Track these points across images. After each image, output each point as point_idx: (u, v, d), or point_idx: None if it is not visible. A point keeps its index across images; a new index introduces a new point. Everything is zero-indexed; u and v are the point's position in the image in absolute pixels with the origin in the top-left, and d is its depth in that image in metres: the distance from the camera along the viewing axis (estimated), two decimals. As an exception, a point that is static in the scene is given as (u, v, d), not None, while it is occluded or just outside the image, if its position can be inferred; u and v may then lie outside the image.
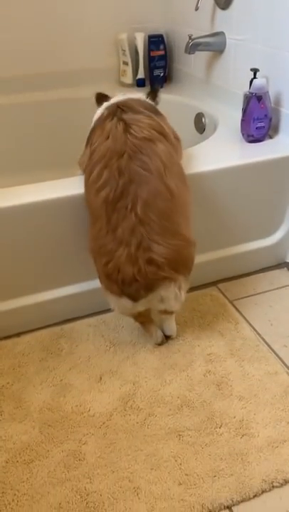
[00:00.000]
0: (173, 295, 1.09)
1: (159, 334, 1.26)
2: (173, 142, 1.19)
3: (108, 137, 1.10)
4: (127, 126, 1.10)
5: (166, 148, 1.12)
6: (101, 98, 1.30)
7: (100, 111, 1.24)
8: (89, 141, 1.21)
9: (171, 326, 1.27)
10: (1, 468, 0.99)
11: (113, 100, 1.24)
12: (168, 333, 1.27)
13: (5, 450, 1.02)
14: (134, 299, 1.07)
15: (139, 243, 1.02)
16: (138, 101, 1.23)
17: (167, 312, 1.19)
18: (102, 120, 1.17)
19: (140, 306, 1.10)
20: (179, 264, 1.07)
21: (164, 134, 1.15)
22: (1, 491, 0.94)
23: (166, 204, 1.06)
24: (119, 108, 1.16)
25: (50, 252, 1.28)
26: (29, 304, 1.31)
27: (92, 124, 1.24)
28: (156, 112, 1.24)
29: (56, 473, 0.97)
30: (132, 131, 1.09)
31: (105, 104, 1.24)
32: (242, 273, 1.54)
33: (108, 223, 1.05)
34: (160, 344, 1.26)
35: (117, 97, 1.26)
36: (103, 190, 1.06)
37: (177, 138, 1.27)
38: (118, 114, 1.14)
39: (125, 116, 1.13)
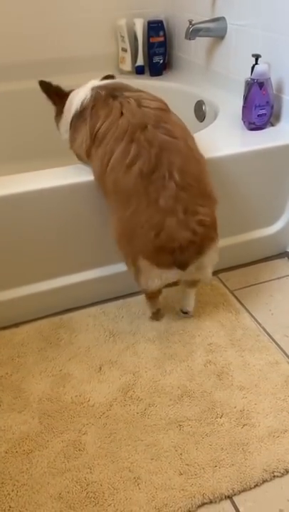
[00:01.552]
0: (214, 258, 1.13)
1: (159, 302, 1.29)
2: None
3: (122, 113, 1.09)
4: (138, 101, 1.10)
5: (178, 117, 1.15)
6: (48, 87, 1.29)
7: (84, 91, 1.20)
8: (83, 122, 1.17)
9: (191, 301, 1.30)
10: (1, 459, 0.98)
11: (95, 83, 1.22)
12: (188, 308, 1.31)
13: (4, 440, 1.02)
14: (185, 265, 1.07)
15: (186, 208, 1.04)
16: (124, 83, 1.22)
17: (195, 283, 1.25)
18: (101, 100, 1.14)
19: (183, 275, 1.11)
20: (216, 223, 1.10)
21: (166, 105, 1.17)
22: (1, 482, 0.94)
23: (197, 167, 1.08)
24: (114, 89, 1.16)
25: (49, 242, 1.27)
26: (28, 294, 1.30)
27: (79, 108, 1.20)
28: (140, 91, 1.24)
29: (56, 463, 0.97)
30: (145, 104, 1.10)
31: (89, 86, 1.21)
32: (243, 263, 1.53)
33: (147, 196, 1.03)
34: (157, 319, 1.30)
35: (94, 81, 1.24)
36: (135, 164, 1.04)
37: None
38: (118, 93, 1.14)
39: (128, 94, 1.13)
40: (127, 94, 1.14)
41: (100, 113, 1.13)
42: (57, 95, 1.29)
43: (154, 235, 1.04)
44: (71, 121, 1.24)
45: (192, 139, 1.14)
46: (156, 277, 1.10)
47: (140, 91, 1.18)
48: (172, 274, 1.10)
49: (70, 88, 1.31)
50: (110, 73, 1.38)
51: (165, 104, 1.16)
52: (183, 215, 1.03)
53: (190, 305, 1.30)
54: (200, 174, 1.08)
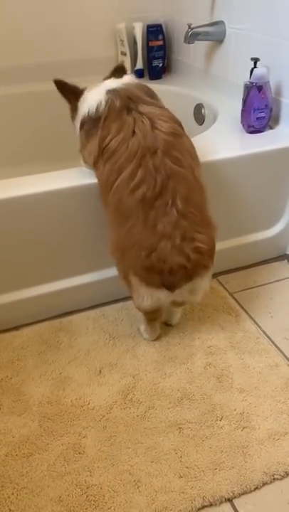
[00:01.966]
0: (205, 284, 1.13)
1: (158, 331, 1.27)
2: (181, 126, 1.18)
3: (134, 132, 1.07)
4: (152, 122, 1.09)
5: (190, 141, 1.14)
6: (64, 86, 1.25)
7: (99, 93, 1.16)
8: (95, 130, 1.14)
9: (178, 316, 1.31)
10: (1, 462, 0.98)
11: (110, 85, 1.17)
12: (173, 322, 1.31)
13: (4, 444, 1.02)
14: (173, 288, 1.08)
15: (184, 235, 1.05)
16: (137, 86, 1.19)
17: (183, 304, 1.26)
18: (115, 112, 1.11)
19: (173, 297, 1.12)
20: (212, 251, 1.11)
21: (180, 124, 1.16)
22: (1, 485, 0.94)
23: (200, 197, 1.10)
24: (130, 99, 1.12)
25: (49, 244, 1.27)
26: (28, 297, 1.30)
27: (94, 112, 1.15)
28: (153, 95, 1.22)
29: (56, 466, 0.97)
30: (158, 126, 1.08)
31: (104, 88, 1.17)
32: (242, 265, 1.53)
33: (145, 221, 1.05)
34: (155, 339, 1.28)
35: (110, 82, 1.19)
36: (139, 189, 1.05)
37: (180, 122, 1.25)
38: (132, 106, 1.11)
39: (142, 109, 1.10)
40: (141, 109, 1.11)
41: (111, 126, 1.10)
42: (72, 94, 1.26)
43: (144, 255, 1.05)
44: (83, 123, 1.20)
45: (198, 166, 1.13)
46: (145, 295, 1.11)
47: (156, 104, 1.15)
48: (162, 295, 1.09)
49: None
50: (120, 63, 1.33)
51: (179, 125, 1.14)
52: (180, 241, 1.04)
53: (177, 319, 1.31)
54: (201, 203, 1.10)
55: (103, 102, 1.14)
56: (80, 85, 1.28)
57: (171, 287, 1.08)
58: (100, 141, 1.12)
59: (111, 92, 1.15)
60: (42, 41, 1.93)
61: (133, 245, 1.07)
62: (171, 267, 1.05)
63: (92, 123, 1.16)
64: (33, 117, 1.96)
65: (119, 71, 1.29)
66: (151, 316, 1.22)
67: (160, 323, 1.27)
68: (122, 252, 1.11)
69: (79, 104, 1.24)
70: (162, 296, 1.10)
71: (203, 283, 1.12)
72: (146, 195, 1.04)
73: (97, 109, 1.14)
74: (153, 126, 1.08)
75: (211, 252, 1.10)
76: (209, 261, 1.10)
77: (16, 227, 1.21)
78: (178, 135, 1.10)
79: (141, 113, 1.10)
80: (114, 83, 1.19)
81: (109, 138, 1.10)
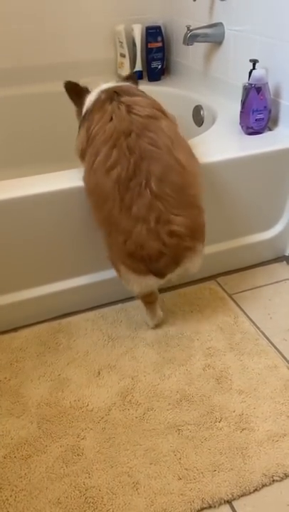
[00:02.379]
0: (197, 264, 1.13)
1: (159, 314, 1.27)
2: (173, 119, 1.20)
3: (111, 118, 1.10)
4: (129, 107, 1.11)
5: (170, 124, 1.15)
6: (74, 88, 1.29)
7: (95, 94, 1.23)
8: (84, 124, 1.20)
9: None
10: (-1, 464, 0.98)
11: (105, 86, 1.24)
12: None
13: (2, 445, 1.01)
14: (162, 275, 1.08)
15: (158, 217, 1.04)
16: (130, 86, 1.24)
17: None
18: (99, 103, 1.16)
19: (163, 282, 1.12)
20: (197, 232, 1.10)
21: (163, 111, 1.17)
22: (-1, 487, 0.93)
23: (179, 177, 1.08)
24: (116, 92, 1.17)
25: (47, 246, 1.27)
26: (27, 299, 1.30)
27: (86, 108, 1.23)
28: (148, 97, 1.24)
29: (54, 468, 0.96)
30: (134, 111, 1.11)
31: (99, 89, 1.23)
32: (241, 267, 1.53)
33: (121, 202, 1.04)
34: (158, 325, 1.28)
35: (106, 84, 1.25)
36: (114, 169, 1.05)
37: (173, 117, 1.27)
38: (115, 97, 1.15)
39: (124, 99, 1.14)
40: (123, 99, 1.15)
41: (95, 116, 1.15)
42: (77, 94, 1.30)
43: (122, 241, 1.05)
44: (81, 122, 1.26)
45: (181, 148, 1.12)
46: (135, 283, 1.11)
47: (141, 96, 1.19)
48: (151, 281, 1.10)
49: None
50: (132, 73, 1.39)
51: (160, 110, 1.16)
52: (154, 224, 1.03)
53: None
54: (182, 184, 1.08)
55: (93, 98, 1.20)
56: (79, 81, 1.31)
57: (160, 274, 1.08)
58: (87, 131, 1.16)
59: (102, 91, 1.20)
60: (41, 43, 1.93)
61: (111, 230, 1.07)
62: (149, 253, 1.04)
63: (84, 118, 1.22)
64: (32, 119, 1.96)
65: (129, 78, 1.34)
66: (147, 299, 1.22)
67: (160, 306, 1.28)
68: (106, 240, 1.11)
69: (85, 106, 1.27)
70: (151, 282, 1.10)
71: (193, 264, 1.11)
72: (121, 175, 1.04)
73: (87, 106, 1.21)
74: (129, 112, 1.11)
75: (194, 232, 1.08)
76: (192, 242, 1.08)
77: (14, 228, 1.21)
78: (154, 118, 1.12)
79: (121, 102, 1.14)
80: (110, 84, 1.23)
81: (92, 126, 1.14)
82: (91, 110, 1.18)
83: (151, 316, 1.27)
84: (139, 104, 1.13)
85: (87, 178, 1.15)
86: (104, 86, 1.24)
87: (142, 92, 1.26)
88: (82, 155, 1.18)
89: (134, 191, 1.04)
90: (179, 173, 1.08)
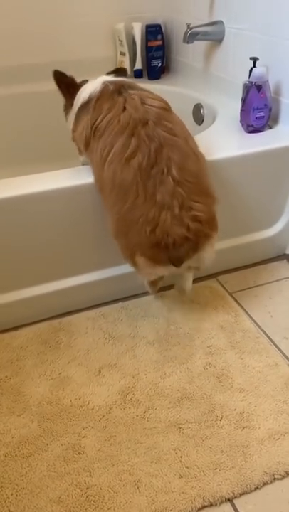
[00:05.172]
0: (210, 255, 1.13)
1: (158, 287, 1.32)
2: None
3: (125, 108, 1.11)
4: (141, 99, 1.13)
5: (177, 116, 1.17)
6: (62, 78, 1.30)
7: (97, 84, 1.21)
8: (85, 112, 1.19)
9: (190, 281, 1.30)
10: (0, 463, 0.98)
11: (106, 78, 1.24)
12: (187, 288, 1.30)
13: (3, 444, 1.01)
14: (180, 262, 1.08)
15: (181, 204, 1.04)
16: (132, 82, 1.25)
17: (198, 268, 1.23)
18: (107, 94, 1.16)
19: (179, 271, 1.13)
20: (213, 220, 1.11)
21: (169, 106, 1.19)
22: (0, 486, 0.93)
23: (195, 165, 1.10)
24: (121, 86, 1.18)
25: (48, 244, 1.26)
26: (27, 297, 1.30)
27: (86, 99, 1.21)
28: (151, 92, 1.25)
29: (55, 466, 0.96)
30: (148, 102, 1.12)
31: (101, 80, 1.23)
32: (241, 265, 1.53)
33: (145, 190, 1.04)
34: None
35: (103, 77, 1.25)
36: (134, 158, 1.05)
37: None
38: (123, 90, 1.16)
39: (132, 92, 1.15)
40: (131, 92, 1.16)
41: (103, 106, 1.14)
42: (68, 87, 1.31)
43: (149, 231, 1.05)
44: (77, 113, 1.25)
45: (192, 138, 1.15)
46: (152, 273, 1.13)
47: (145, 90, 1.20)
48: (167, 271, 1.11)
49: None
50: (122, 66, 1.41)
51: (167, 104, 1.18)
52: (178, 211, 1.04)
53: (188, 285, 1.30)
54: (198, 172, 1.10)
55: (97, 89, 1.19)
56: (78, 79, 1.31)
57: (177, 262, 1.08)
58: (92, 120, 1.15)
59: (106, 82, 1.20)
60: (41, 41, 1.92)
61: (137, 221, 1.06)
62: (175, 239, 1.04)
63: (83, 108, 1.22)
64: (32, 117, 1.95)
65: (120, 72, 1.35)
66: (157, 281, 1.26)
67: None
68: (125, 232, 1.10)
69: (74, 101, 1.27)
70: (167, 272, 1.12)
71: (208, 253, 1.12)
72: (143, 163, 1.04)
73: (89, 96, 1.20)
74: (143, 102, 1.12)
75: (210, 220, 1.09)
76: (210, 230, 1.09)
77: (15, 226, 1.20)
78: (168, 110, 1.14)
79: (131, 94, 1.15)
80: (110, 77, 1.25)
81: (101, 117, 1.13)
82: (97, 98, 1.17)
83: (152, 290, 1.32)
84: (149, 96, 1.15)
85: (100, 171, 1.13)
86: (105, 78, 1.24)
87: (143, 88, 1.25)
88: (87, 144, 1.17)
89: (156, 178, 1.04)
90: (195, 162, 1.10)
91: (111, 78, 1.24)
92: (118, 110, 1.11)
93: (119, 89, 1.16)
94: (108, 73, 1.32)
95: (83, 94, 1.23)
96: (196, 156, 1.11)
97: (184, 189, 1.05)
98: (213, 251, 1.13)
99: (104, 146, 1.10)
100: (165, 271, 1.11)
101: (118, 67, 1.40)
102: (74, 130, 1.26)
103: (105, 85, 1.19)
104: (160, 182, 1.04)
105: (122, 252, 1.14)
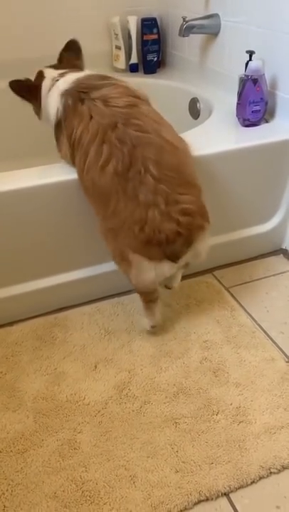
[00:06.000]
0: (206, 246, 1.12)
1: (158, 316, 1.24)
2: (146, 99, 1.18)
3: (91, 117, 1.09)
4: (105, 101, 1.10)
5: (149, 107, 1.14)
6: (19, 86, 1.29)
7: (56, 99, 1.20)
8: (63, 132, 1.18)
9: (179, 277, 1.28)
10: (-5, 458, 0.97)
11: (62, 86, 1.21)
12: (175, 284, 1.28)
13: (-1, 440, 1.01)
14: (176, 258, 1.07)
15: (166, 199, 1.03)
16: (88, 78, 1.21)
17: (186, 265, 1.21)
18: (70, 109, 1.15)
19: (176, 268, 1.11)
20: (203, 210, 1.09)
21: (137, 95, 1.15)
22: (-5, 481, 0.93)
23: (174, 158, 1.08)
24: (81, 92, 1.15)
25: (43, 240, 1.26)
26: (22, 293, 1.29)
27: (55, 120, 1.21)
28: (105, 77, 1.21)
29: (51, 462, 0.96)
30: (112, 103, 1.10)
31: (58, 92, 1.20)
32: (238, 260, 1.52)
33: (125, 194, 1.04)
34: (155, 327, 1.25)
35: (62, 82, 1.22)
36: (109, 164, 1.05)
37: (145, 96, 1.24)
38: (84, 96, 1.13)
39: (94, 95, 1.12)
40: (93, 95, 1.12)
41: (73, 123, 1.13)
42: (30, 91, 1.29)
43: (138, 230, 1.04)
44: (55, 135, 1.24)
45: (167, 127, 1.12)
46: (148, 271, 1.09)
47: (106, 86, 1.15)
48: (166, 267, 1.09)
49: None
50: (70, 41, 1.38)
51: (134, 96, 1.14)
52: (164, 207, 1.03)
53: (176, 281, 1.28)
54: (178, 164, 1.08)
55: (60, 108, 1.18)
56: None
57: (174, 257, 1.07)
58: (68, 139, 1.15)
59: (64, 95, 1.18)
60: (36, 35, 1.91)
61: (124, 223, 1.05)
62: (167, 235, 1.03)
63: (57, 128, 1.22)
64: (29, 112, 1.93)
65: (72, 48, 1.36)
66: (150, 296, 1.21)
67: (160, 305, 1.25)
68: (114, 234, 1.10)
69: (42, 102, 1.27)
70: (166, 269, 1.09)
71: (203, 245, 1.11)
72: (118, 168, 1.04)
73: (57, 116, 1.20)
74: (107, 105, 1.10)
75: (200, 211, 1.08)
76: (202, 221, 1.08)
77: (10, 221, 1.20)
78: (134, 105, 1.11)
79: (93, 99, 1.12)
80: (64, 84, 1.21)
81: (74, 132, 1.12)
82: (65, 119, 1.16)
83: (151, 316, 1.24)
84: (112, 95, 1.11)
85: (81, 181, 1.14)
86: (61, 87, 1.20)
87: (101, 77, 1.21)
88: (73, 161, 1.17)
89: (135, 180, 1.03)
90: (173, 154, 1.08)
91: (65, 86, 1.20)
92: (86, 121, 1.10)
93: (80, 97, 1.13)
94: (50, 66, 1.32)
95: (51, 111, 1.22)
96: (173, 146, 1.09)
97: (165, 184, 1.03)
98: (208, 242, 1.12)
99: (80, 157, 1.10)
100: (164, 268, 1.09)
101: (69, 41, 1.38)
102: (59, 151, 1.25)
103: (65, 100, 1.16)
104: (140, 183, 1.03)
105: (113, 252, 1.13)
